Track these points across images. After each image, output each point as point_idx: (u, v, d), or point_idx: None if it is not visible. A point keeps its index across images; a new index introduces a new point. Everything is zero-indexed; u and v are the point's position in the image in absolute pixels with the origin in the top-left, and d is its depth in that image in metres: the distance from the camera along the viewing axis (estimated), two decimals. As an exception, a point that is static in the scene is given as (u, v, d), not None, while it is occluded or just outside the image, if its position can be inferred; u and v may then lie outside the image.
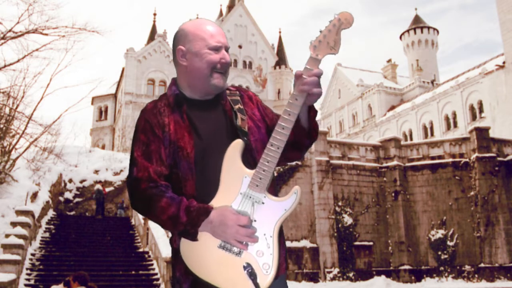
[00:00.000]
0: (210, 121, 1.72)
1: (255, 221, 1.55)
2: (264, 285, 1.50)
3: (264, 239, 1.53)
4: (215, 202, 1.58)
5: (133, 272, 13.70)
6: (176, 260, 1.65)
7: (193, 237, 1.55)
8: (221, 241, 1.54)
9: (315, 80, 1.60)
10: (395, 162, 22.39)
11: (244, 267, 1.50)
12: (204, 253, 1.55)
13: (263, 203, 1.57)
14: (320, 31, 1.63)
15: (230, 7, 56.39)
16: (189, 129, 1.67)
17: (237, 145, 1.63)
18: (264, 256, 1.52)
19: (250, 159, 1.67)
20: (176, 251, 1.66)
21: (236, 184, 1.59)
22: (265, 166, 1.58)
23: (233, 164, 1.61)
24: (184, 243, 1.58)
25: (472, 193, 21.68)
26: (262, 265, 1.51)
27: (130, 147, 1.72)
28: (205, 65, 1.70)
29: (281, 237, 1.65)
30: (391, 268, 21.38)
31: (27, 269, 12.80)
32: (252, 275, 1.49)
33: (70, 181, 22.88)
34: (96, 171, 23.48)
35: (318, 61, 1.62)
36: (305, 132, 1.71)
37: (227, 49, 1.75)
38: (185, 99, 1.74)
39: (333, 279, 20.01)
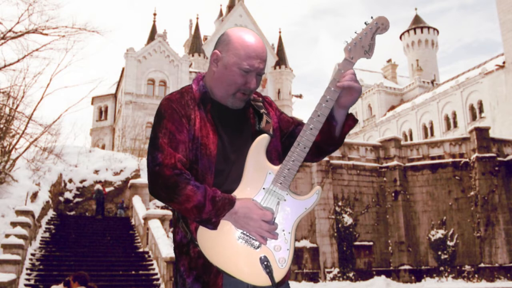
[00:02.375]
0: (232, 126, 1.72)
1: (275, 217, 1.59)
2: (279, 278, 1.54)
3: (283, 234, 1.58)
4: (237, 193, 1.60)
5: (133, 272, 13.69)
6: (180, 254, 1.66)
7: (215, 226, 1.56)
8: (240, 232, 1.57)
9: (353, 76, 1.61)
10: (395, 162, 22.39)
11: (261, 260, 1.54)
12: (223, 243, 1.57)
13: (285, 200, 1.60)
14: (356, 33, 1.63)
15: (230, 7, 56.41)
16: (214, 128, 1.67)
17: (263, 139, 1.64)
18: (281, 250, 1.56)
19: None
20: (180, 244, 1.67)
21: (259, 179, 1.61)
22: (289, 164, 1.60)
23: (257, 158, 1.62)
24: (202, 231, 1.59)
25: (472, 193, 21.68)
26: (278, 259, 1.55)
27: (151, 132, 1.66)
28: (228, 82, 1.68)
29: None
30: (391, 268, 21.38)
31: (27, 269, 12.79)
32: (268, 268, 1.53)
33: (70, 181, 22.86)
34: (96, 171, 23.47)
35: (352, 64, 1.62)
36: (334, 138, 1.72)
37: (260, 73, 1.69)
38: (210, 99, 1.73)
39: (333, 279, 20.01)
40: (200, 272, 1.60)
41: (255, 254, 1.55)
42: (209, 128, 1.66)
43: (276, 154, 1.73)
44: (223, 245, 1.56)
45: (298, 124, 1.86)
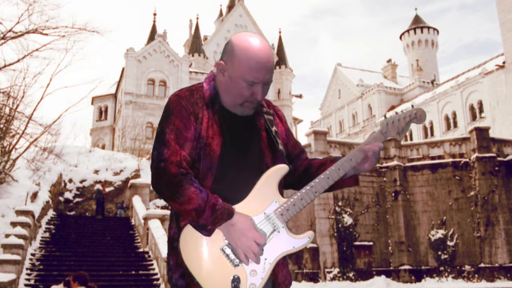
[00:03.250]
0: (239, 132, 1.71)
1: (265, 243, 1.59)
2: None
3: (263, 262, 1.57)
4: (237, 208, 1.59)
5: (133, 272, 13.69)
6: (172, 249, 1.67)
7: (209, 233, 1.56)
8: (225, 245, 1.56)
9: (378, 152, 1.72)
10: (395, 162, 22.38)
11: (233, 279, 1.53)
12: (203, 249, 1.56)
13: (279, 231, 1.61)
14: (396, 113, 1.74)
15: (230, 7, 56.40)
16: (219, 130, 1.66)
17: (282, 168, 1.65)
18: (255, 277, 1.55)
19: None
20: (172, 239, 1.67)
21: (264, 202, 1.62)
22: (297, 201, 1.63)
23: (269, 183, 1.63)
24: (188, 232, 1.58)
25: (472, 193, 21.67)
26: (249, 285, 1.54)
27: (158, 127, 1.67)
28: (234, 94, 1.67)
29: (285, 261, 1.72)
30: (391, 268, 21.37)
31: (27, 269, 12.79)
32: None
33: (70, 181, 22.87)
34: (96, 171, 23.48)
35: (384, 138, 1.73)
36: (330, 186, 1.75)
37: (267, 83, 1.68)
38: (219, 101, 1.72)
39: (333, 279, 20.00)
40: (186, 271, 1.60)
41: (230, 271, 1.54)
42: (215, 130, 1.66)
43: None
44: (202, 252, 1.56)
45: (301, 152, 1.88)
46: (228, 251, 1.55)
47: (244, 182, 1.63)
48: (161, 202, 20.95)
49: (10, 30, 15.20)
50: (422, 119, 1.75)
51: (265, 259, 1.57)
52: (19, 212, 13.59)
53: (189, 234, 1.58)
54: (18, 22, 15.29)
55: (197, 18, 52.58)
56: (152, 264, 14.16)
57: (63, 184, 22.50)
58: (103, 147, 45.10)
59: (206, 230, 1.55)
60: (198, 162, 1.63)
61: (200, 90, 1.72)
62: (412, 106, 1.77)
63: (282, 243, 1.60)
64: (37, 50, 16.08)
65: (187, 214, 1.55)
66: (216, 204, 1.53)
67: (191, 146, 1.62)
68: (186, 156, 1.59)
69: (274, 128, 1.75)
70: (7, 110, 16.47)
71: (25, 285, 11.90)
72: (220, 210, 1.53)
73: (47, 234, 16.22)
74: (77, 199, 22.84)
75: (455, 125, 43.11)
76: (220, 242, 1.56)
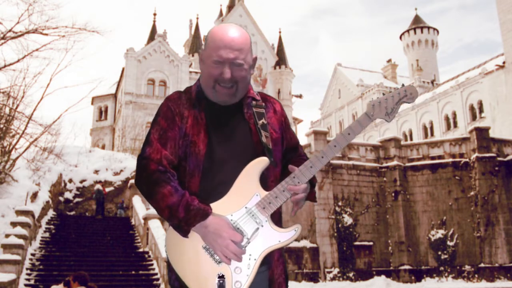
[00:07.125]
0: (226, 127, 1.71)
1: (248, 239, 1.56)
2: None
3: (248, 259, 1.54)
4: (217, 205, 1.58)
5: (133, 272, 13.70)
6: None
7: (185, 233, 1.56)
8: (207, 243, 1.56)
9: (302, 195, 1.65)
10: (395, 162, 22.38)
11: (218, 277, 1.52)
12: (187, 248, 1.56)
13: (262, 226, 1.58)
14: (383, 94, 1.68)
15: (230, 7, 56.38)
16: (206, 128, 1.68)
17: (261, 161, 1.63)
18: (240, 274, 1.53)
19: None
20: None
21: (244, 197, 1.60)
22: (279, 193, 1.60)
23: (250, 177, 1.61)
24: (171, 235, 1.60)
25: (472, 193, 21.67)
26: (235, 282, 1.52)
27: (148, 130, 1.72)
28: (206, 76, 1.70)
29: (282, 258, 1.70)
30: (391, 268, 21.37)
31: (27, 269, 12.79)
32: (221, 287, 1.51)
33: (70, 181, 22.87)
34: (96, 171, 23.48)
35: (370, 121, 1.65)
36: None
37: (237, 64, 1.66)
38: (204, 98, 1.74)
39: (333, 279, 20.01)
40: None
41: (215, 268, 1.53)
42: (201, 127, 1.67)
43: (273, 169, 1.72)
44: (186, 250, 1.56)
45: (295, 146, 1.87)
46: (210, 249, 1.55)
47: (233, 177, 1.62)
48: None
49: (10, 30, 15.19)
50: (414, 97, 1.66)
51: (250, 255, 1.55)
52: (19, 212, 13.59)
53: (172, 236, 1.59)
54: (18, 22, 15.29)
55: (197, 18, 52.60)
56: (152, 264, 14.16)
57: (63, 184, 22.50)
58: (103, 147, 45.08)
59: (182, 230, 1.55)
60: (184, 160, 1.65)
61: (189, 91, 1.77)
62: (403, 85, 1.70)
63: (267, 238, 1.57)
64: (37, 50, 16.08)
65: (162, 212, 1.57)
66: (190, 204, 1.53)
67: (174, 145, 1.64)
68: (168, 155, 1.62)
69: (261, 121, 1.74)
70: (7, 110, 16.47)
71: (25, 285, 11.90)
72: (194, 211, 1.53)
73: (47, 234, 16.22)
74: (77, 199, 22.84)
75: (455, 125, 43.10)
76: (201, 241, 1.56)
